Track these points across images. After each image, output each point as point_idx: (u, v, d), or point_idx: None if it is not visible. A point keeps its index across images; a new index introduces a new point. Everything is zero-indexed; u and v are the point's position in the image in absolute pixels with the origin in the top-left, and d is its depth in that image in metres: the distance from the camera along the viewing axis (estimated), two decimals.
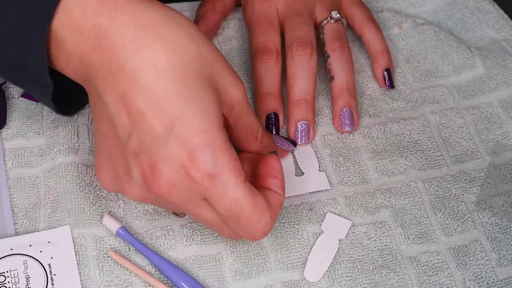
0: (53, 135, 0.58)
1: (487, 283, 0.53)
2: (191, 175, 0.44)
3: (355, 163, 0.59)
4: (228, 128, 0.50)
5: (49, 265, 0.51)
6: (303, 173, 0.58)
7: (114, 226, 0.53)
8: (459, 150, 0.60)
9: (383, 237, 0.55)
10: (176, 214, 0.54)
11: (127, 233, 0.53)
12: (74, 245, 0.52)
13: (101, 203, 0.55)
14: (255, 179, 0.51)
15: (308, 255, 0.54)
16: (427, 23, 0.69)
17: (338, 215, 0.56)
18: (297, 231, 0.55)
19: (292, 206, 0.56)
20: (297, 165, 0.59)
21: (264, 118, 0.60)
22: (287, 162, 0.59)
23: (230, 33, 0.68)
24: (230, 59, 0.66)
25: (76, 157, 0.57)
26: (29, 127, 0.58)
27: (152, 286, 0.51)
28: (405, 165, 0.59)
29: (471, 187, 0.58)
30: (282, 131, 0.61)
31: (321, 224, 0.55)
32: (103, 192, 0.55)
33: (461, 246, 0.55)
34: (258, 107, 0.60)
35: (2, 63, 0.49)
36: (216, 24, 0.66)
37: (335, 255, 0.54)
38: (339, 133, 0.61)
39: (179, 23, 0.46)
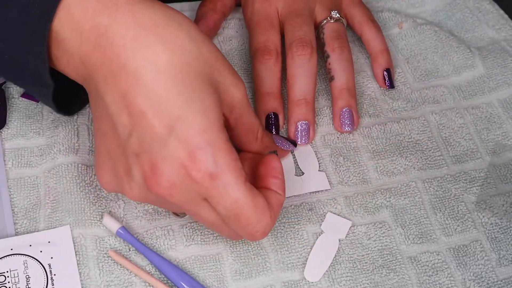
0: (53, 135, 0.58)
1: (487, 283, 0.53)
2: (191, 175, 0.44)
3: (355, 163, 0.59)
4: (229, 128, 0.50)
5: (49, 265, 0.51)
6: (303, 173, 0.58)
7: (114, 226, 0.53)
8: (459, 150, 0.60)
9: (383, 237, 0.55)
10: (176, 214, 0.54)
11: (127, 233, 0.53)
12: (74, 245, 0.52)
13: (101, 203, 0.55)
14: (255, 179, 0.51)
15: (308, 255, 0.54)
16: (427, 23, 0.69)
17: (338, 215, 0.56)
18: (297, 231, 0.55)
19: (292, 206, 0.56)
20: (297, 165, 0.59)
21: (263, 118, 0.60)
22: (287, 162, 0.59)
23: (230, 33, 0.68)
24: (230, 59, 0.66)
25: (76, 157, 0.57)
26: (29, 127, 0.58)
27: (152, 286, 0.51)
28: (405, 165, 0.59)
29: (471, 187, 0.58)
30: (282, 131, 0.61)
31: (321, 224, 0.55)
32: (103, 192, 0.55)
33: (461, 246, 0.55)
34: (258, 107, 0.60)
35: (3, 63, 0.49)
36: (216, 24, 0.66)
37: (335, 255, 0.54)
38: (339, 133, 0.61)
39: (180, 23, 0.46)
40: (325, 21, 0.63)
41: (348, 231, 0.55)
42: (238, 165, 0.46)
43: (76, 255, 0.52)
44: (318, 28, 0.63)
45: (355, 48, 0.67)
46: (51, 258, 0.51)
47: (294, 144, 0.59)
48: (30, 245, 0.52)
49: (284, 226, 0.55)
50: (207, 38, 0.47)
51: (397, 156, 0.60)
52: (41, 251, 0.52)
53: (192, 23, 0.47)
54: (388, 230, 0.55)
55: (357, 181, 0.58)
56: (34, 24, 0.46)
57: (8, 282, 0.50)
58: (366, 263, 0.53)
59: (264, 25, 0.62)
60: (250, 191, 0.46)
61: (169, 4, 0.47)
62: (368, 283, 0.52)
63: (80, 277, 0.51)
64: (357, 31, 0.65)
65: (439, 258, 0.54)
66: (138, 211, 0.55)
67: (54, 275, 0.51)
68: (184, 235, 0.54)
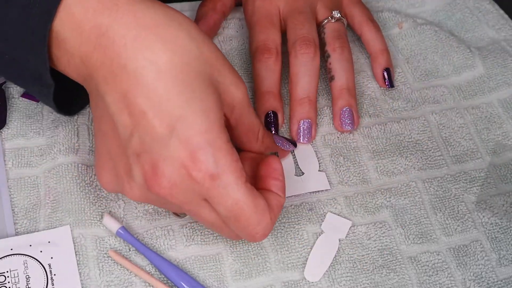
0: (53, 135, 0.58)
1: (487, 283, 0.53)
2: (192, 176, 0.44)
3: (355, 163, 0.59)
4: (229, 128, 0.50)
5: (49, 265, 0.51)
6: (303, 173, 0.58)
7: (114, 226, 0.53)
8: (459, 150, 0.60)
9: (383, 237, 0.55)
10: (176, 214, 0.54)
11: (127, 233, 0.53)
12: (74, 245, 0.52)
13: (101, 203, 0.55)
14: (255, 180, 0.51)
15: (308, 255, 0.54)
16: (427, 23, 0.69)
17: (338, 215, 0.56)
18: (297, 231, 0.55)
19: (292, 206, 0.56)
20: (297, 165, 0.59)
21: (263, 116, 0.60)
22: (287, 162, 0.59)
23: (230, 33, 0.68)
24: (230, 59, 0.66)
25: (76, 157, 0.57)
26: (29, 127, 0.58)
27: (152, 286, 0.51)
28: (405, 165, 0.59)
29: (471, 187, 0.58)
30: (283, 130, 0.61)
31: (321, 224, 0.55)
32: (103, 192, 0.55)
33: (461, 246, 0.55)
34: (258, 106, 0.60)
35: (3, 63, 0.49)
36: (217, 24, 0.66)
37: (335, 255, 0.54)
38: (339, 133, 0.61)
39: (180, 23, 0.46)
40: (326, 21, 0.63)
41: (348, 231, 0.55)
42: (239, 165, 0.46)
43: (76, 255, 0.52)
44: (319, 27, 0.63)
45: (355, 48, 0.67)
46: (51, 258, 0.51)
47: (295, 144, 0.59)
48: (30, 245, 0.52)
49: (284, 226, 0.55)
50: (208, 38, 0.47)
51: (397, 156, 0.60)
52: (41, 251, 0.52)
53: (193, 23, 0.47)
54: (388, 230, 0.55)
55: (357, 181, 0.58)
56: (35, 24, 0.46)
57: (8, 282, 0.50)
58: (366, 263, 0.53)
59: (265, 24, 0.61)
60: (251, 192, 0.46)
61: (169, 4, 0.47)
62: (368, 283, 0.52)
63: (80, 277, 0.51)
64: (357, 31, 0.65)
65: (439, 258, 0.54)
66: (138, 211, 0.55)
67: (54, 275, 0.51)
68: (184, 235, 0.54)
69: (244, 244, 0.54)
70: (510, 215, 0.56)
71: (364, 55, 0.67)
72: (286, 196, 0.55)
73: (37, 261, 0.51)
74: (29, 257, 0.51)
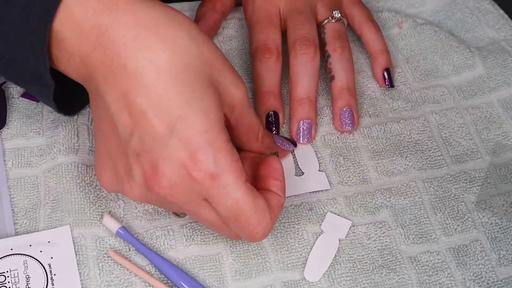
0: (53, 135, 0.58)
1: (487, 283, 0.53)
2: (192, 176, 0.44)
3: (355, 163, 0.59)
4: (229, 128, 0.50)
5: (49, 265, 0.51)
6: (303, 173, 0.58)
7: (114, 226, 0.53)
8: (459, 150, 0.60)
9: (383, 237, 0.55)
10: (176, 214, 0.54)
11: (127, 233, 0.53)
12: (74, 245, 0.52)
13: (101, 203, 0.55)
14: (255, 180, 0.51)
15: (308, 255, 0.54)
16: (427, 23, 0.69)
17: (338, 215, 0.56)
18: (297, 231, 0.55)
19: (292, 206, 0.56)
20: (297, 165, 0.59)
21: (264, 117, 0.60)
22: (287, 162, 0.59)
23: (230, 33, 0.68)
24: (230, 59, 0.66)
25: (76, 157, 0.57)
26: (29, 127, 0.58)
27: (152, 286, 0.51)
28: (405, 165, 0.59)
29: (471, 187, 0.58)
30: (283, 130, 0.61)
31: (321, 224, 0.55)
32: (103, 192, 0.55)
33: (461, 246, 0.55)
34: (258, 106, 0.60)
35: (3, 63, 0.49)
36: (216, 24, 0.66)
37: (335, 255, 0.54)
38: (339, 133, 0.61)
39: (180, 23, 0.46)
40: (326, 21, 0.63)
41: (348, 231, 0.55)
42: (239, 165, 0.46)
43: (76, 255, 0.52)
44: (319, 27, 0.63)
45: (355, 48, 0.67)
46: (51, 258, 0.51)
47: (295, 144, 0.59)
48: (30, 245, 0.52)
49: (284, 226, 0.55)
50: (208, 38, 0.47)
51: (397, 156, 0.60)
52: (41, 251, 0.52)
53: (193, 23, 0.46)
54: (388, 230, 0.55)
55: (357, 181, 0.58)
56: (35, 24, 0.46)
57: (8, 282, 0.50)
58: (366, 263, 0.53)
59: (265, 24, 0.61)
60: (251, 192, 0.46)
61: (169, 4, 0.47)
62: (368, 283, 0.52)
63: (80, 277, 0.51)
64: (357, 31, 0.65)
65: (439, 258, 0.54)
66: (138, 211, 0.55)
67: (54, 275, 0.51)
68: (184, 235, 0.54)
69: (244, 244, 0.54)
70: (510, 215, 0.56)
71: (364, 55, 0.67)
72: (286, 196, 0.55)
73: (37, 261, 0.51)
74: (29, 257, 0.51)
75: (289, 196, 0.56)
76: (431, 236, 0.55)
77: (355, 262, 0.53)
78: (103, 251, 0.52)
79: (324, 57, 0.62)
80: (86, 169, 0.56)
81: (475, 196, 0.58)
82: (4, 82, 0.60)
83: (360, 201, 0.57)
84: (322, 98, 0.63)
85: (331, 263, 0.53)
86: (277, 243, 0.54)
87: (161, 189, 0.45)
